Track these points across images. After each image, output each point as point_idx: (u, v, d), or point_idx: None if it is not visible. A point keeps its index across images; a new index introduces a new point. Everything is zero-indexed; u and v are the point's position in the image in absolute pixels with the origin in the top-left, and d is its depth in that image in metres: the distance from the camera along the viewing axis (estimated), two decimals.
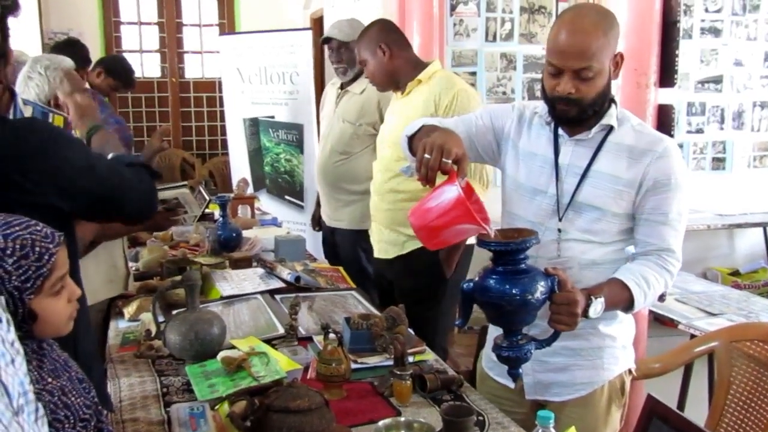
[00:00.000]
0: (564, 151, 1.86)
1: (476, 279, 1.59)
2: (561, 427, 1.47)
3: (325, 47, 3.66)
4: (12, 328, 0.99)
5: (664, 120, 2.75)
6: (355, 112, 3.44)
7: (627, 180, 1.79)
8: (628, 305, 1.75)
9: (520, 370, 1.64)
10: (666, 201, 1.78)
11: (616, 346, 1.93)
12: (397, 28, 2.98)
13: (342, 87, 3.59)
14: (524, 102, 2.02)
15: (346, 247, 3.46)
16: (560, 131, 1.87)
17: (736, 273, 5.21)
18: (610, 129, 1.82)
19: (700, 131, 5.29)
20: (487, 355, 2.08)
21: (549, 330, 1.63)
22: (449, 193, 1.52)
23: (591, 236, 1.83)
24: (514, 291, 1.52)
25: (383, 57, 2.88)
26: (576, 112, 1.77)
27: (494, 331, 2.05)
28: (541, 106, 1.91)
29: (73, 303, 1.24)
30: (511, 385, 1.95)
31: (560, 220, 1.84)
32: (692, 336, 2.90)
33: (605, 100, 1.81)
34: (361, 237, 3.15)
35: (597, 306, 1.64)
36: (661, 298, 2.88)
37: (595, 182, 1.81)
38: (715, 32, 5.18)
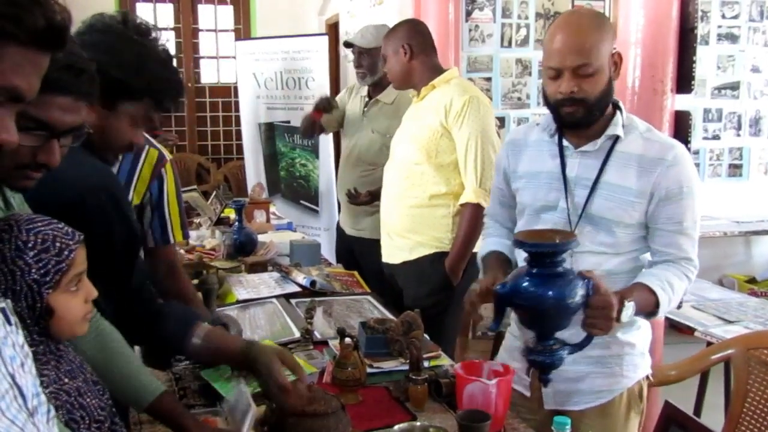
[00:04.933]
0: (571, 164, 1.84)
1: (510, 281, 1.57)
2: None
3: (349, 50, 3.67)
4: (20, 331, 1.00)
5: (681, 126, 2.74)
6: (386, 122, 3.40)
7: (637, 191, 1.78)
8: (652, 309, 1.73)
9: (551, 376, 1.62)
10: (680, 210, 1.77)
11: (634, 353, 1.92)
12: (425, 32, 2.99)
13: (371, 96, 3.56)
14: (514, 129, 2.07)
15: (368, 256, 3.42)
16: (565, 143, 1.86)
17: (752, 280, 5.18)
18: (616, 138, 1.81)
19: (716, 138, 5.26)
20: (501, 356, 2.08)
21: (579, 333, 1.60)
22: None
23: (605, 248, 1.82)
24: (550, 294, 1.49)
25: (403, 57, 2.90)
26: (582, 113, 1.75)
27: (511, 339, 2.05)
28: (542, 119, 1.91)
29: (89, 304, 1.26)
30: (527, 393, 1.95)
31: (573, 232, 1.82)
32: (709, 343, 2.88)
33: (609, 102, 1.80)
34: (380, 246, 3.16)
35: (629, 310, 1.61)
36: (677, 305, 2.87)
37: (606, 194, 1.80)
38: (732, 38, 5.16)
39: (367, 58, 3.49)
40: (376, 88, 3.53)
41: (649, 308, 1.72)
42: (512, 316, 2.01)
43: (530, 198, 1.91)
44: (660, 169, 1.76)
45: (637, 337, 1.92)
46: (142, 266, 1.65)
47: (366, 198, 3.39)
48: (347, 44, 3.62)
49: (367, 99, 3.57)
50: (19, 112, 1.12)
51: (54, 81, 1.16)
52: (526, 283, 1.51)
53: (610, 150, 1.81)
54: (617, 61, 1.78)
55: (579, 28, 1.73)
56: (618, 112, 1.83)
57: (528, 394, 1.95)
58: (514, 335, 2.04)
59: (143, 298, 1.59)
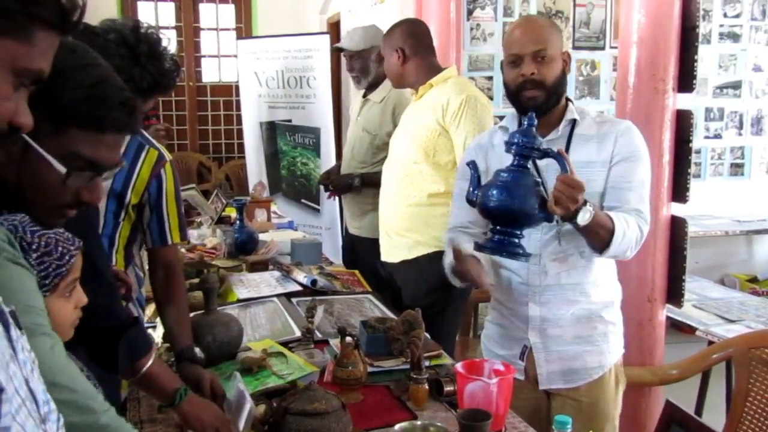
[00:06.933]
0: None
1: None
2: (575, 413, 1.50)
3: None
4: (25, 336, 0.99)
5: (683, 125, 2.73)
6: (375, 121, 3.42)
7: (601, 161, 1.95)
8: (608, 236, 1.80)
9: (520, 251, 1.79)
10: (630, 170, 1.93)
11: (616, 331, 2.08)
12: (420, 32, 2.97)
13: (364, 95, 3.58)
14: (476, 138, 2.25)
15: (364, 255, 3.44)
16: None
17: (754, 279, 5.18)
18: (573, 123, 1.98)
19: (718, 137, 5.26)
20: (485, 346, 2.17)
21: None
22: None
23: None
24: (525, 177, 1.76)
25: (397, 60, 2.91)
26: (543, 96, 1.92)
27: (490, 327, 2.18)
28: (504, 121, 2.07)
29: (78, 311, 1.26)
30: (521, 377, 2.02)
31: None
32: (710, 342, 2.88)
33: (563, 91, 1.99)
34: (378, 245, 3.16)
35: (587, 213, 1.71)
36: (679, 304, 2.87)
37: (576, 172, 1.88)
38: (734, 37, 5.15)
39: (358, 61, 3.48)
40: (370, 87, 3.54)
41: (605, 229, 1.79)
42: (489, 306, 2.19)
43: None
44: (614, 137, 1.95)
45: (616, 317, 2.09)
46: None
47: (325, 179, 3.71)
48: (337, 49, 3.62)
49: (362, 99, 3.59)
50: (71, 152, 1.09)
51: (111, 120, 1.14)
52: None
53: (570, 134, 1.98)
54: (566, 60, 1.99)
55: (535, 24, 2.00)
56: (570, 103, 2.01)
57: (522, 378, 2.01)
58: (493, 323, 2.14)
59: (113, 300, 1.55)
